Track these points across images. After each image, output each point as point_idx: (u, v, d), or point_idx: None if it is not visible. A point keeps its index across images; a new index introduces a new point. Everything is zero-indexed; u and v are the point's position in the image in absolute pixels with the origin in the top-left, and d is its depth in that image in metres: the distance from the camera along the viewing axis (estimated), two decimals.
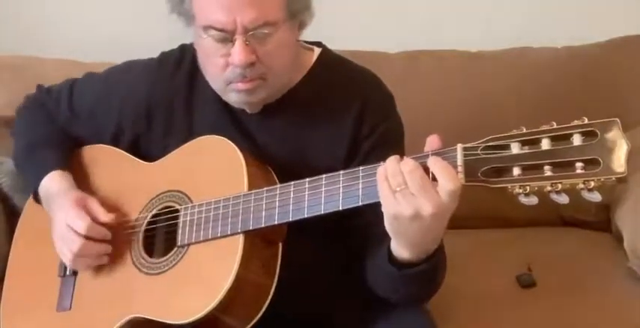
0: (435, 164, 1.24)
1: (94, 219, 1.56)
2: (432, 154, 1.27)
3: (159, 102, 1.65)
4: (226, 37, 1.45)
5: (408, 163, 1.25)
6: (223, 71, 1.48)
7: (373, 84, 1.63)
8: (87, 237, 1.54)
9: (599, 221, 2.18)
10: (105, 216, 1.57)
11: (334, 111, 1.58)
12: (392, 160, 1.28)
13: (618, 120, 1.15)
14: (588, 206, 2.18)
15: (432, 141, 1.30)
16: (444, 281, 1.48)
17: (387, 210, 1.29)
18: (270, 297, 1.44)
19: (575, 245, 2.11)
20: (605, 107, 2.19)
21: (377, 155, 1.52)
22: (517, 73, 2.29)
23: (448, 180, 1.22)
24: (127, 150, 1.69)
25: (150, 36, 2.13)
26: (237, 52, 1.44)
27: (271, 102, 1.57)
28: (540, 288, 1.92)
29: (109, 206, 1.64)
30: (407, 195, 1.25)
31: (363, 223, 1.48)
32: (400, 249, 1.36)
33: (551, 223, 2.22)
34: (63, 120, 1.76)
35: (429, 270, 1.38)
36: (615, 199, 2.07)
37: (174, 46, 1.71)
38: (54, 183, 1.65)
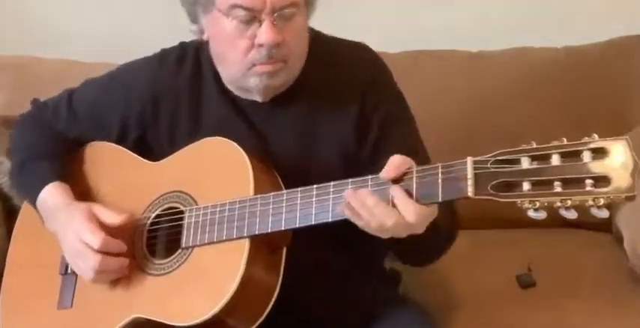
0: (395, 198, 1.31)
1: (107, 226, 1.55)
2: (442, 167, 1.29)
3: (164, 96, 1.65)
4: (254, 16, 1.46)
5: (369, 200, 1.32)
6: (247, 54, 1.49)
7: (368, 60, 1.63)
8: (103, 252, 1.52)
9: (600, 221, 2.17)
10: (116, 218, 1.55)
11: (335, 95, 1.58)
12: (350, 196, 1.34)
13: (628, 138, 1.15)
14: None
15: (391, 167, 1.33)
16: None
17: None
18: (273, 301, 1.44)
19: (575, 245, 2.11)
20: (605, 107, 2.19)
21: (391, 131, 1.56)
22: (517, 73, 2.28)
23: (407, 213, 1.30)
24: (133, 147, 1.68)
25: (150, 36, 2.13)
26: (266, 32, 1.45)
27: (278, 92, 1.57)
28: (540, 288, 1.92)
29: (112, 205, 1.65)
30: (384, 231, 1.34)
31: None
32: None
33: (551, 224, 2.21)
34: (63, 127, 1.75)
35: (424, 241, 1.40)
36: None
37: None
38: (51, 197, 1.63)
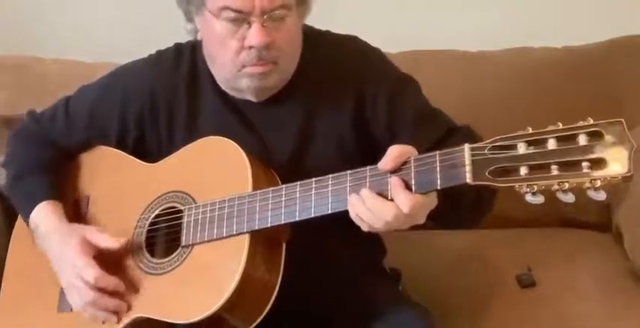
0: (391, 188, 1.32)
1: (104, 250, 1.55)
2: (440, 155, 1.29)
3: (161, 96, 1.65)
4: (243, 18, 1.46)
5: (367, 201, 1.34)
6: (237, 55, 1.49)
7: (359, 50, 1.63)
8: (99, 289, 1.52)
9: (600, 221, 2.18)
10: (113, 243, 1.54)
11: (330, 90, 1.58)
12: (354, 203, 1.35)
13: (623, 121, 1.17)
14: (589, 206, 2.18)
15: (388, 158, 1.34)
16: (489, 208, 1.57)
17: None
18: (273, 297, 1.45)
19: (575, 245, 2.11)
20: (605, 107, 2.19)
21: (402, 105, 1.57)
22: (517, 73, 2.28)
23: (402, 204, 1.30)
24: (133, 149, 1.68)
25: (150, 36, 2.13)
26: (255, 34, 1.45)
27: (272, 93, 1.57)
28: (540, 288, 1.92)
29: (111, 207, 1.65)
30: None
31: None
32: None
33: (551, 223, 2.22)
34: (61, 135, 1.75)
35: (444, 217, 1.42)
36: (616, 199, 2.07)
37: None
38: (42, 220, 1.64)
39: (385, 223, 1.33)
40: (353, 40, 1.65)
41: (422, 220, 1.36)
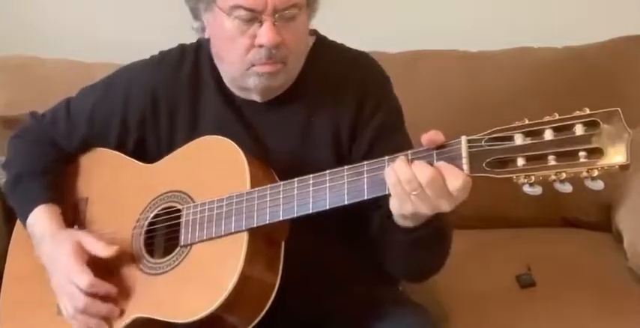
0: (442, 167, 1.27)
1: (96, 256, 1.54)
2: (437, 148, 1.28)
3: (163, 98, 1.65)
4: (255, 17, 1.46)
5: (425, 172, 1.26)
6: (246, 54, 1.49)
7: (369, 67, 1.63)
8: (91, 294, 1.51)
9: (600, 221, 2.18)
10: (105, 251, 1.54)
11: (333, 98, 1.58)
12: (402, 166, 1.29)
13: (619, 110, 1.17)
14: (589, 206, 2.18)
15: (434, 137, 1.30)
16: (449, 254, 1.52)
17: (404, 209, 1.32)
18: (273, 296, 1.44)
19: (575, 245, 2.11)
20: (604, 107, 2.18)
21: (383, 140, 1.55)
22: (517, 73, 2.29)
23: (456, 179, 1.25)
24: (133, 150, 1.68)
25: (150, 36, 2.14)
26: (266, 33, 1.45)
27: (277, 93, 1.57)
28: (540, 288, 1.92)
29: (109, 208, 1.65)
30: (425, 198, 1.28)
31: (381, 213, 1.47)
32: (404, 223, 1.39)
33: (551, 223, 2.22)
34: (62, 136, 1.74)
35: (434, 234, 1.40)
36: (616, 199, 2.07)
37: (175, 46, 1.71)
38: (39, 224, 1.63)
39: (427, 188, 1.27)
40: (365, 55, 1.65)
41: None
